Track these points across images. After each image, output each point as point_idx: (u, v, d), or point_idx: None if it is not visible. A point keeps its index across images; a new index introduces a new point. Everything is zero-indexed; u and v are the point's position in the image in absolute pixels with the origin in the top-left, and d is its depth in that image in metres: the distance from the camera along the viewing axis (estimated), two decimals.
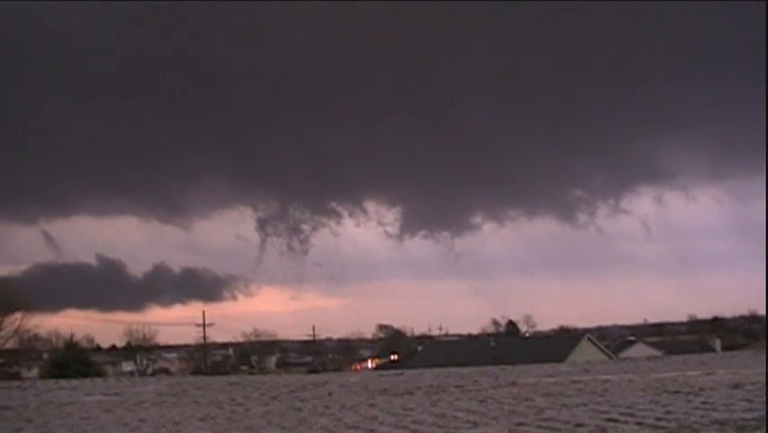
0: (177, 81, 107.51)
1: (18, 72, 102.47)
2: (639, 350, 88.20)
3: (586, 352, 73.09)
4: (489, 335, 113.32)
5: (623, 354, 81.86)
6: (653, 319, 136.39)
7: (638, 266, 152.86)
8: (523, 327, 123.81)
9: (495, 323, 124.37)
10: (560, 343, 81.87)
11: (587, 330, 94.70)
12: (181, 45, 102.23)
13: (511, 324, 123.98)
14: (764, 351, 44.81)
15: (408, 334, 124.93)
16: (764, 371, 28.25)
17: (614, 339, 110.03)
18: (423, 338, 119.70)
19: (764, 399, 21.11)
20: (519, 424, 19.81)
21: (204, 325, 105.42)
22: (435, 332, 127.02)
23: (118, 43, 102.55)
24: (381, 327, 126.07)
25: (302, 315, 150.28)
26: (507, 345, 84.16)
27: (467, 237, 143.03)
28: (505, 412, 22.40)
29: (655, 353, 78.50)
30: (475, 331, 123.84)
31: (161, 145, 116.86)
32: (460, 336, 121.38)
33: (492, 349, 77.90)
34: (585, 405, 23.19)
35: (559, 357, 63.50)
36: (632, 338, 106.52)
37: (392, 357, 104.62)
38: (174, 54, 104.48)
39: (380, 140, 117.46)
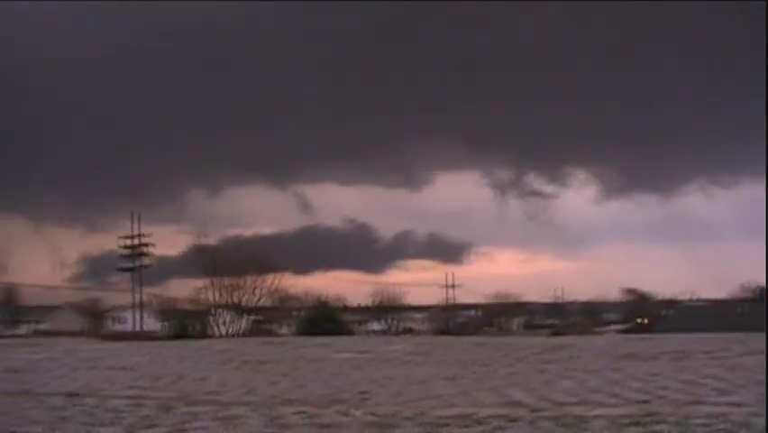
0: (412, 50, 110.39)
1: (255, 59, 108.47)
2: None
3: None
4: (740, 300, 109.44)
5: None
6: None
7: None
8: None
9: (743, 288, 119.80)
10: None
11: None
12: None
13: (762, 289, 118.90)
14: None
15: (655, 298, 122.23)
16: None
17: None
18: (669, 303, 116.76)
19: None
20: None
21: (448, 286, 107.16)
22: (683, 296, 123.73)
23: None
24: (627, 291, 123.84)
25: (540, 277, 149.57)
26: (758, 311, 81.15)
27: (693, 201, 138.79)
28: (754, 381, 21.75)
29: None
30: (723, 296, 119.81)
31: (397, 114, 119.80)
32: (708, 300, 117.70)
33: (742, 315, 75.36)
34: None
35: None
36: None
37: (639, 321, 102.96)
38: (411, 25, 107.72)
39: (609, 109, 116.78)
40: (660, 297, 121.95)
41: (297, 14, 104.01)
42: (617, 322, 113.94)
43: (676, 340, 39.67)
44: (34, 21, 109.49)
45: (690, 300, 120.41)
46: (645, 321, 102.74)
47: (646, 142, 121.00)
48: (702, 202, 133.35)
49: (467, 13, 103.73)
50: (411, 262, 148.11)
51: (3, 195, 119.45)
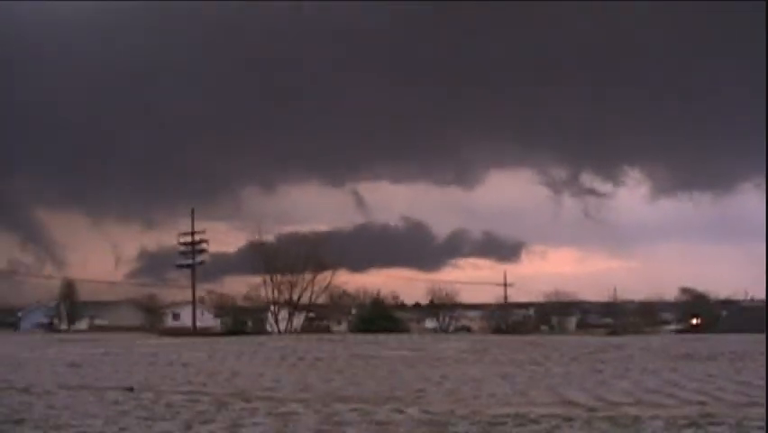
0: (466, 48, 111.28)
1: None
2: None
3: None
4: None
5: None
6: None
7: None
8: None
9: None
10: None
11: None
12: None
13: None
14: None
15: (712, 298, 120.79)
16: None
17: None
18: (727, 303, 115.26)
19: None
20: None
21: (502, 284, 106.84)
22: (740, 296, 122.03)
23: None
24: (683, 291, 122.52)
25: (595, 276, 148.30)
26: None
27: (748, 200, 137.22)
28: None
29: None
30: None
31: (451, 112, 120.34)
32: (764, 301, 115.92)
33: None
34: None
35: None
36: None
37: (693, 321, 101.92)
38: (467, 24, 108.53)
39: (663, 107, 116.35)
40: (716, 297, 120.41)
41: (355, 14, 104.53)
42: (671, 322, 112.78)
43: (733, 341, 39.29)
44: (95, 20, 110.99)
45: (746, 300, 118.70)
46: (698, 322, 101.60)
47: (701, 141, 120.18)
48: (757, 200, 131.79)
49: (524, 13, 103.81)
50: (465, 261, 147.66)
51: (63, 192, 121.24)
